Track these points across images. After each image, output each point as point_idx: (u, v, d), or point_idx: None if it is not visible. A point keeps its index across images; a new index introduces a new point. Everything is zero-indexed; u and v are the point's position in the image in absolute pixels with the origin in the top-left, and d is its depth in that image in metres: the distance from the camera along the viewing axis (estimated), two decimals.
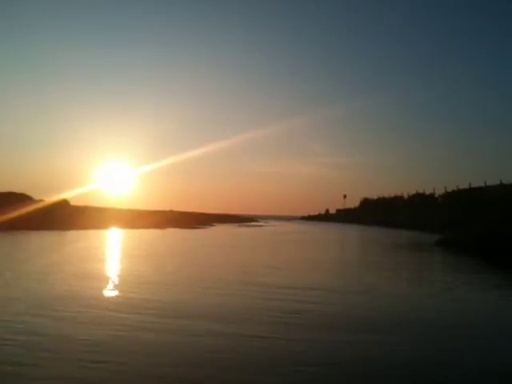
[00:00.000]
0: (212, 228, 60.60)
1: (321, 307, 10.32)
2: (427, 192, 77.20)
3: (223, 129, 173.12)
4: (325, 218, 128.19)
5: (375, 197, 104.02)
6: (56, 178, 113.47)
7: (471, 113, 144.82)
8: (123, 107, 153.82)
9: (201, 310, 9.56)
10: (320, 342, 7.60)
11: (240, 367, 6.26)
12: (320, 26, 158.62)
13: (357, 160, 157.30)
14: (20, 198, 45.47)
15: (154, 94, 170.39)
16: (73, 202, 52.01)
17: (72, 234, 35.91)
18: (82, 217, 46.07)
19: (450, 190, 65.19)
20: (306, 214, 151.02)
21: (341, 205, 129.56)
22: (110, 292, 11.67)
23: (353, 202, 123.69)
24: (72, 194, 52.82)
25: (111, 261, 20.22)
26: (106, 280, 13.62)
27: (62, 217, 43.32)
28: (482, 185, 53.20)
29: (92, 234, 38.10)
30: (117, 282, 13.23)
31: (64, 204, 49.15)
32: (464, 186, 59.91)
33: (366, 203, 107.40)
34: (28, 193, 49.57)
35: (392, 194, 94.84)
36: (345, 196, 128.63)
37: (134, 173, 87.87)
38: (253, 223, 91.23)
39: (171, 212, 72.50)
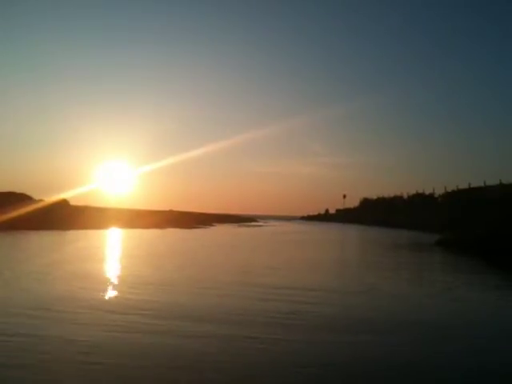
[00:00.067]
0: (212, 228, 60.59)
1: (320, 308, 10.30)
2: (427, 192, 77.34)
3: (223, 129, 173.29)
4: (325, 218, 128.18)
5: (375, 197, 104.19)
6: (56, 178, 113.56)
7: (471, 113, 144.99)
8: (123, 107, 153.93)
9: (198, 312, 9.50)
10: (319, 342, 7.57)
11: (234, 369, 6.20)
12: (320, 26, 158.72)
13: (357, 160, 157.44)
14: (20, 198, 45.46)
15: (154, 93, 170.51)
16: (73, 202, 52.09)
17: (72, 234, 35.89)
18: (81, 217, 46.06)
19: (449, 190, 65.29)
20: (305, 214, 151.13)
21: (340, 205, 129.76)
22: (108, 293, 11.65)
23: (353, 202, 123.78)
24: (72, 194, 52.88)
25: (111, 261, 20.20)
26: (105, 280, 13.61)
27: (62, 217, 43.29)
28: (482, 185, 53.25)
29: (92, 233, 38.08)
30: (116, 283, 13.21)
31: (64, 204, 49.14)
32: (464, 186, 60.02)
33: (366, 203, 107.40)
34: (28, 193, 49.66)
35: (392, 194, 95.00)
36: (344, 196, 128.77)
37: (134, 173, 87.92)
38: (253, 223, 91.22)
39: (171, 212, 72.50)
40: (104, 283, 12.94)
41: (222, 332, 7.91)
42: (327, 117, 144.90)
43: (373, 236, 50.03)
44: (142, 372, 6.00)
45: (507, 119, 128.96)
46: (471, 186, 57.17)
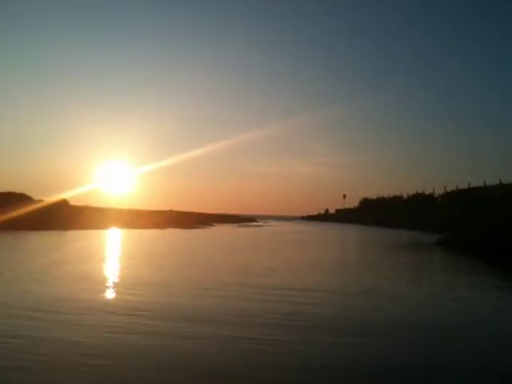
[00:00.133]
0: (212, 228, 60.60)
1: (320, 309, 10.30)
2: (427, 192, 77.42)
3: (223, 129, 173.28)
4: (324, 218, 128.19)
5: (375, 197, 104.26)
6: (56, 178, 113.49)
7: (471, 113, 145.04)
8: (123, 107, 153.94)
9: (197, 312, 9.50)
10: (319, 344, 7.56)
11: (233, 370, 6.19)
12: (320, 26, 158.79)
13: (357, 160, 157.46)
14: (20, 198, 45.47)
15: (154, 93, 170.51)
16: (72, 202, 52.11)
17: (72, 234, 35.89)
18: (81, 217, 46.06)
19: (449, 190, 65.36)
20: (305, 214, 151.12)
21: (340, 205, 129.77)
22: (108, 294, 11.65)
23: (352, 202, 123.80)
24: (72, 194, 52.89)
25: (111, 261, 20.20)
26: (105, 281, 13.62)
27: (62, 217, 43.29)
28: (482, 185, 53.28)
29: (92, 234, 38.08)
30: (116, 284, 13.21)
31: (64, 204, 49.15)
32: (463, 186, 60.08)
33: (366, 203, 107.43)
34: (28, 193, 49.68)
35: (392, 194, 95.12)
36: (344, 196, 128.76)
37: (134, 173, 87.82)
38: (253, 223, 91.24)
39: (171, 212, 72.49)
40: (104, 284, 12.94)
41: (221, 333, 7.91)
42: (327, 117, 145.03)
43: (372, 236, 50.04)
44: (142, 373, 6.00)
45: (507, 119, 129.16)
46: (471, 186, 57.25)
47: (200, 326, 8.41)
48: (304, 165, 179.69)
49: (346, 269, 19.26)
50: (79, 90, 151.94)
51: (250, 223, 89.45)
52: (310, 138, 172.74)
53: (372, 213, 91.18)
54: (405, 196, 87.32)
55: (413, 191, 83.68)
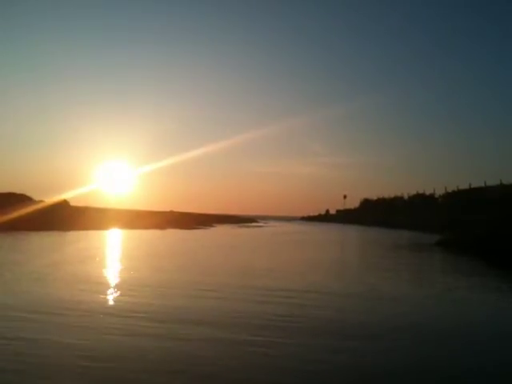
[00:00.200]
0: (212, 229, 60.59)
1: (319, 310, 10.27)
2: (427, 192, 77.34)
3: (223, 129, 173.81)
4: (325, 218, 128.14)
5: (375, 197, 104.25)
6: (56, 179, 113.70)
7: (471, 113, 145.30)
8: (123, 107, 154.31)
9: (196, 314, 9.45)
10: (318, 346, 7.54)
11: (230, 373, 6.16)
12: (320, 26, 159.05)
13: (357, 160, 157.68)
14: (20, 199, 45.54)
15: (154, 94, 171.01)
16: (73, 203, 52.17)
17: (72, 235, 35.90)
18: (82, 217, 46.08)
19: (450, 190, 65.33)
20: (305, 215, 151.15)
21: (341, 205, 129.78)
22: (108, 295, 11.62)
23: (353, 203, 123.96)
24: (72, 195, 53.00)
25: (111, 262, 20.20)
26: (105, 282, 13.63)
27: (62, 217, 43.32)
28: (482, 185, 53.27)
29: (92, 234, 38.10)
30: (115, 285, 13.21)
31: (64, 205, 49.20)
32: (464, 186, 60.10)
33: (366, 204, 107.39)
34: (28, 193, 49.79)
35: (392, 195, 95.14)
36: (345, 196, 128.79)
37: (134, 173, 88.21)
38: (253, 224, 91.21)
39: (171, 213, 72.55)
40: (104, 285, 12.95)
41: (219, 335, 7.88)
42: (327, 117, 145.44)
43: (373, 236, 50.01)
44: (138, 376, 5.99)
45: (507, 119, 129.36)
46: (471, 186, 57.25)
47: (197, 327, 8.38)
48: (304, 165, 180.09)
49: (346, 269, 19.24)
50: (79, 90, 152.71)
51: (250, 224, 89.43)
52: (310, 138, 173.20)
53: (372, 213, 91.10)
54: (405, 196, 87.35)
55: (413, 191, 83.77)
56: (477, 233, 27.12)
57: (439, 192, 71.98)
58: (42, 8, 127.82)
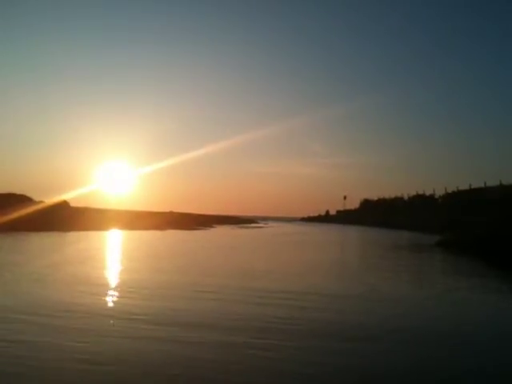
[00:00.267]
0: (212, 229, 60.56)
1: (319, 312, 10.26)
2: (427, 193, 77.34)
3: (223, 129, 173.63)
4: (325, 219, 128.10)
5: (375, 198, 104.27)
6: (56, 179, 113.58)
7: (471, 113, 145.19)
8: (123, 107, 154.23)
9: (194, 317, 9.40)
10: (318, 348, 7.53)
11: (228, 375, 6.13)
12: (320, 26, 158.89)
13: (357, 160, 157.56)
14: (20, 200, 45.55)
15: (154, 94, 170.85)
16: (73, 203, 52.22)
17: (72, 236, 35.90)
18: (82, 218, 46.10)
19: (450, 190, 65.33)
20: (305, 215, 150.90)
21: (341, 206, 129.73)
22: (108, 297, 11.61)
23: (353, 203, 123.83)
24: (72, 195, 53.03)
25: (111, 263, 20.20)
26: (105, 284, 13.62)
27: (63, 218, 43.33)
28: (482, 186, 53.28)
29: (92, 235, 38.09)
30: (115, 286, 13.21)
31: (64, 205, 49.23)
32: (464, 186, 60.11)
33: (366, 204, 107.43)
34: (28, 194, 49.82)
35: (392, 195, 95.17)
36: (345, 197, 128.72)
37: (134, 173, 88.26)
38: (253, 224, 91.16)
39: (171, 213, 72.51)
40: (104, 286, 12.93)
41: (219, 337, 7.85)
42: (327, 117, 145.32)
43: (373, 237, 50.01)
44: (136, 378, 5.98)
45: (507, 119, 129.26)
46: (471, 186, 57.26)
47: (197, 330, 8.36)
48: (304, 165, 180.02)
49: (346, 270, 19.23)
50: (79, 90, 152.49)
51: (249, 224, 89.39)
52: (310, 138, 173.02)
53: (372, 214, 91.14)
54: (405, 197, 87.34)
55: (413, 192, 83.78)
56: (477, 233, 27.12)
57: (439, 192, 72.12)
58: (42, 8, 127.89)
